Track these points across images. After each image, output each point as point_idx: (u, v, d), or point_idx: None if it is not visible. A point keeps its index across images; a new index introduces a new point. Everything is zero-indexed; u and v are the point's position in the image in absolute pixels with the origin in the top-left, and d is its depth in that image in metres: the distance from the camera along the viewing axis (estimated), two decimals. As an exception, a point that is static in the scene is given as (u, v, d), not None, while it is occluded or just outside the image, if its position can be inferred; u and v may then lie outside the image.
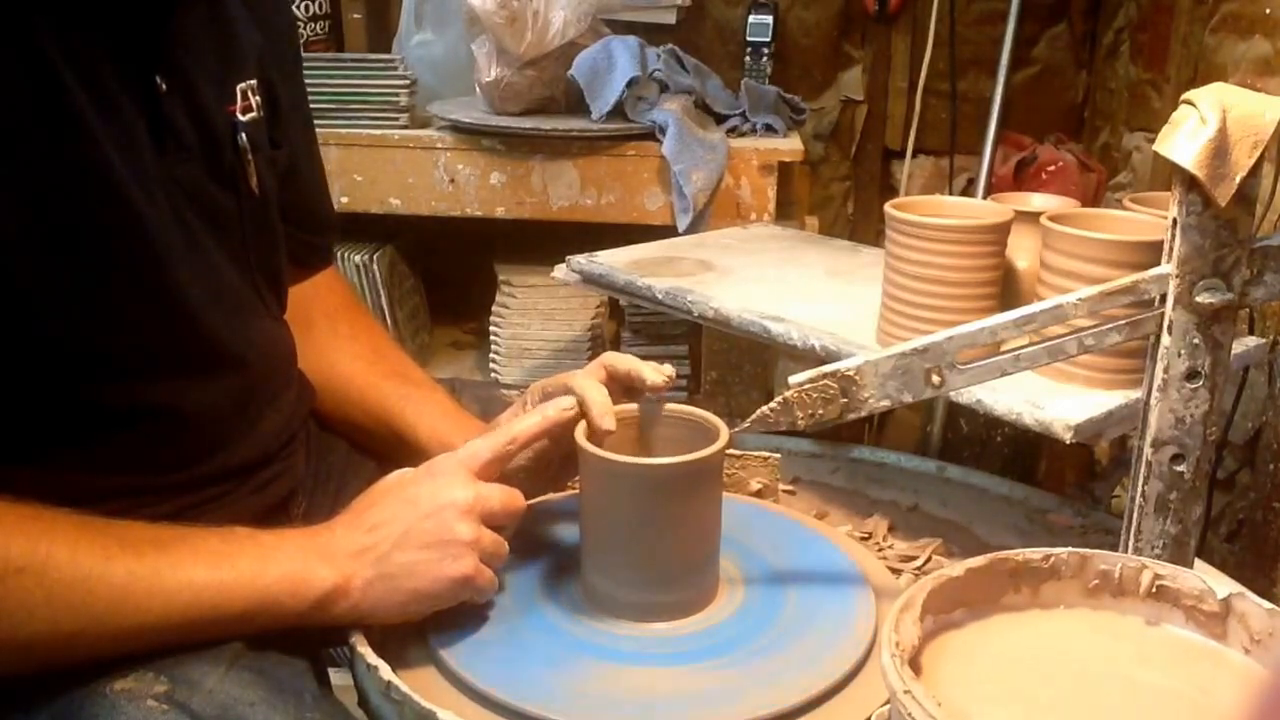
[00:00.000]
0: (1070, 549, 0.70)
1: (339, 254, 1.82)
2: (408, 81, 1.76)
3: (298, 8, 1.82)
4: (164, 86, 0.78)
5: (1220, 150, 0.70)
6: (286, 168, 0.95)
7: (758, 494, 1.01)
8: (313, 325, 1.04)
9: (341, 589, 0.73)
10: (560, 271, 1.37)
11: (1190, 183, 0.71)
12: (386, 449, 1.00)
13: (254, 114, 0.88)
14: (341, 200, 1.71)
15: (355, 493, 0.82)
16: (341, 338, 1.06)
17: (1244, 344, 1.04)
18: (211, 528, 0.74)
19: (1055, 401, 0.91)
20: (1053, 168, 2.04)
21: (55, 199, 0.70)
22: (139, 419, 0.78)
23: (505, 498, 0.77)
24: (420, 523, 0.74)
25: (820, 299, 1.19)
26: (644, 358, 0.85)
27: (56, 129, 0.69)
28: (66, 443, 0.75)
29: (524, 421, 0.81)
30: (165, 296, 0.77)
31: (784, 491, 1.05)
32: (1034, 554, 0.70)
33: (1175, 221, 0.73)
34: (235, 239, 0.86)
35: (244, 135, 0.85)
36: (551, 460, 0.88)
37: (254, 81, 0.88)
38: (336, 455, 1.05)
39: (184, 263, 0.78)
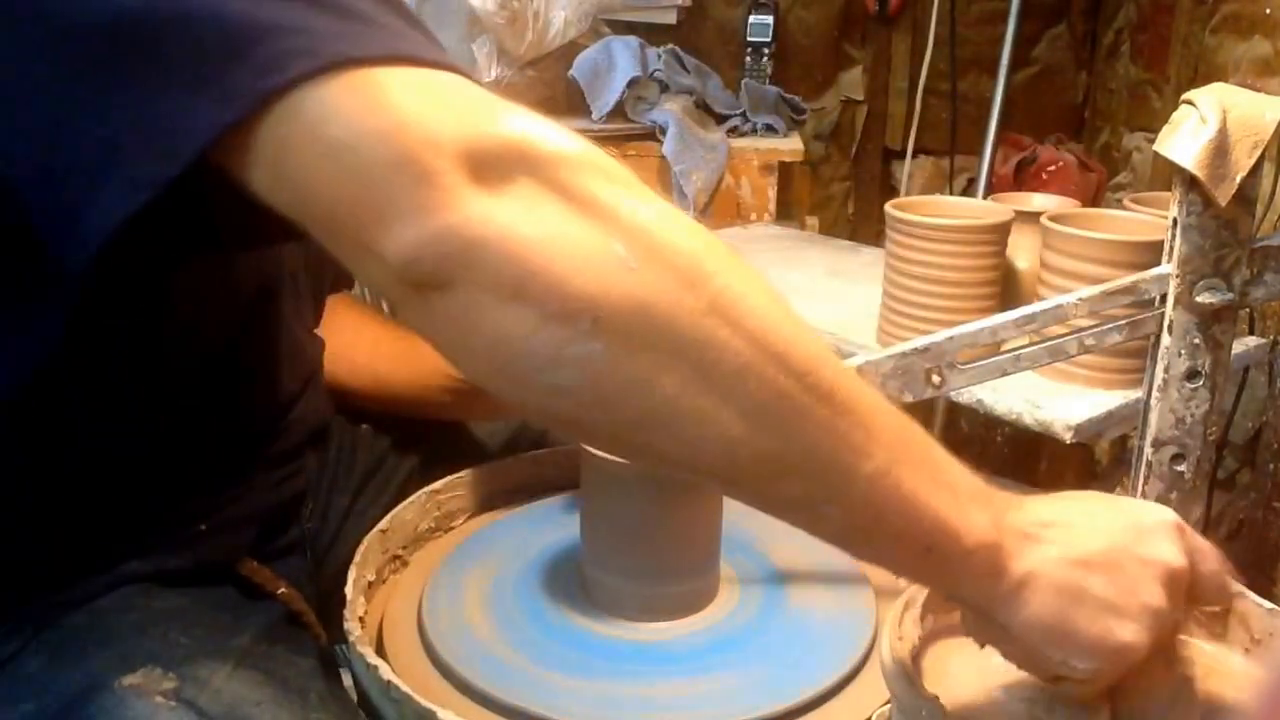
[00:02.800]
0: (1070, 549, 0.70)
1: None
2: (408, 82, 1.76)
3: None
4: None
5: (1221, 150, 0.70)
6: None
7: (758, 494, 1.01)
8: None
9: (993, 552, 0.55)
10: (560, 271, 1.37)
11: (1191, 183, 0.71)
12: None
13: None
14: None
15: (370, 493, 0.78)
16: None
17: (1244, 344, 1.04)
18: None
19: (1055, 401, 0.91)
20: (1053, 168, 2.05)
21: None
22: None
23: (1220, 582, 0.60)
24: (1113, 557, 0.56)
25: (820, 299, 1.19)
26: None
27: None
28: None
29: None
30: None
31: (784, 491, 1.05)
32: (1034, 554, 0.69)
33: (1175, 221, 0.73)
34: None
35: None
36: None
37: None
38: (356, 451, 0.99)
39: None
